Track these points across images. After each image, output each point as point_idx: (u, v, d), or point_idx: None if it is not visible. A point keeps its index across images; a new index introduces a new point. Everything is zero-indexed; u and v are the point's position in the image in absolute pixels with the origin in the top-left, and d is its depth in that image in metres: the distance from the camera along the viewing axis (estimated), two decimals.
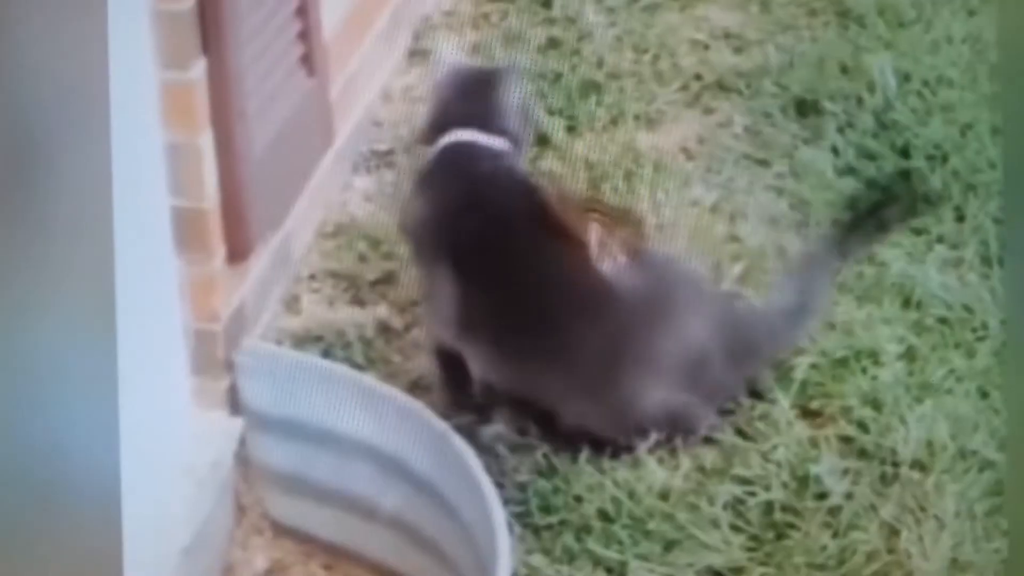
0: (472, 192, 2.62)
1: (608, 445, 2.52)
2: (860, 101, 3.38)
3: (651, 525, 2.41)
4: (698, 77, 3.53)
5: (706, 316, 2.55)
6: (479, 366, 2.58)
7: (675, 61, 3.58)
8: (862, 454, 2.52)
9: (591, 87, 3.46)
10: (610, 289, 2.50)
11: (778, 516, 2.42)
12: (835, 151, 3.26)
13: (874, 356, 2.68)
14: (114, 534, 1.74)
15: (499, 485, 2.34)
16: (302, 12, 2.70)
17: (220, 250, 2.45)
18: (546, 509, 2.45)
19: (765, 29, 3.71)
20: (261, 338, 2.64)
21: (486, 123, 2.66)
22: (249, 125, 2.46)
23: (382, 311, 2.86)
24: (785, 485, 2.46)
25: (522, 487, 2.48)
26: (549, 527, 2.43)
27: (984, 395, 2.62)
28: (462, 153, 2.65)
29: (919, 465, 2.48)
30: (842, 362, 2.67)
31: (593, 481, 2.48)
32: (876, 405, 2.59)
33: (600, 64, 3.54)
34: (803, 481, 2.46)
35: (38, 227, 1.65)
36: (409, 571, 2.42)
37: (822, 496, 2.44)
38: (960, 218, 3.05)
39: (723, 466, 2.51)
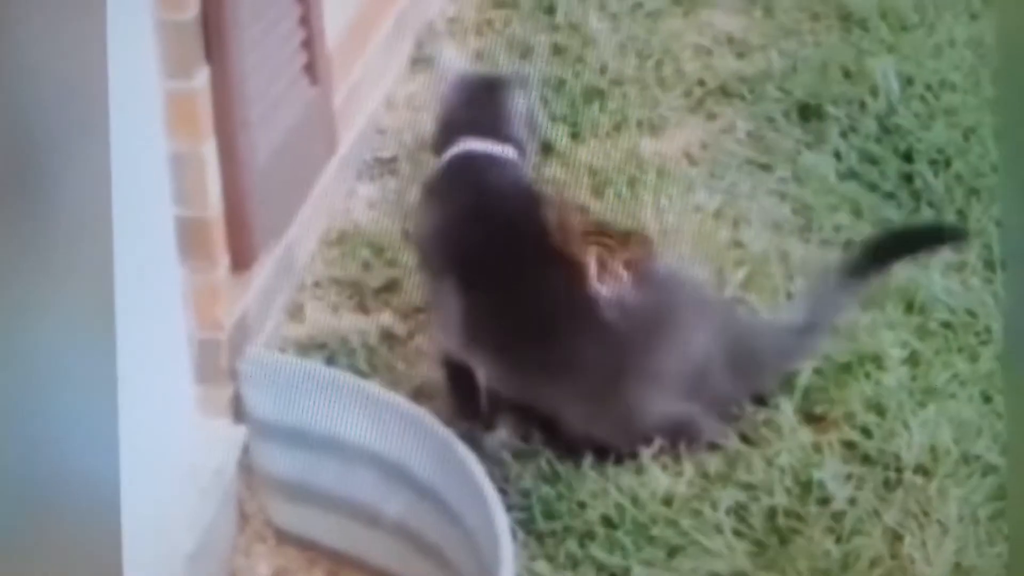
0: (481, 204, 2.62)
1: (612, 452, 2.52)
2: (863, 105, 3.38)
3: (655, 531, 2.41)
4: (701, 83, 3.54)
5: (710, 328, 2.56)
6: (485, 374, 2.58)
7: (678, 67, 3.58)
8: (865, 459, 2.52)
9: (595, 93, 3.46)
10: (612, 304, 2.50)
11: (781, 521, 2.42)
12: (838, 156, 3.26)
13: (877, 361, 2.68)
14: (114, 542, 1.74)
15: (502, 491, 2.34)
16: (305, 21, 2.71)
17: (224, 259, 2.45)
18: (550, 515, 2.45)
19: (768, 34, 3.71)
20: (265, 346, 2.64)
21: (494, 131, 2.66)
22: (253, 134, 2.47)
23: (386, 318, 2.86)
24: (788, 490, 2.46)
25: (526, 493, 2.48)
26: (553, 533, 2.43)
27: (987, 399, 2.62)
28: (471, 163, 2.65)
29: (922, 470, 2.48)
30: (845, 367, 2.68)
31: (597, 487, 2.48)
32: (879, 410, 2.59)
33: (603, 70, 3.54)
34: (806, 486, 2.46)
35: (37, 229, 1.65)
36: None
37: (825, 501, 2.44)
38: (963, 222, 3.05)
39: (726, 472, 2.51)
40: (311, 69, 2.74)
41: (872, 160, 3.24)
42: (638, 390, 2.52)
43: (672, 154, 3.31)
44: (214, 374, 2.48)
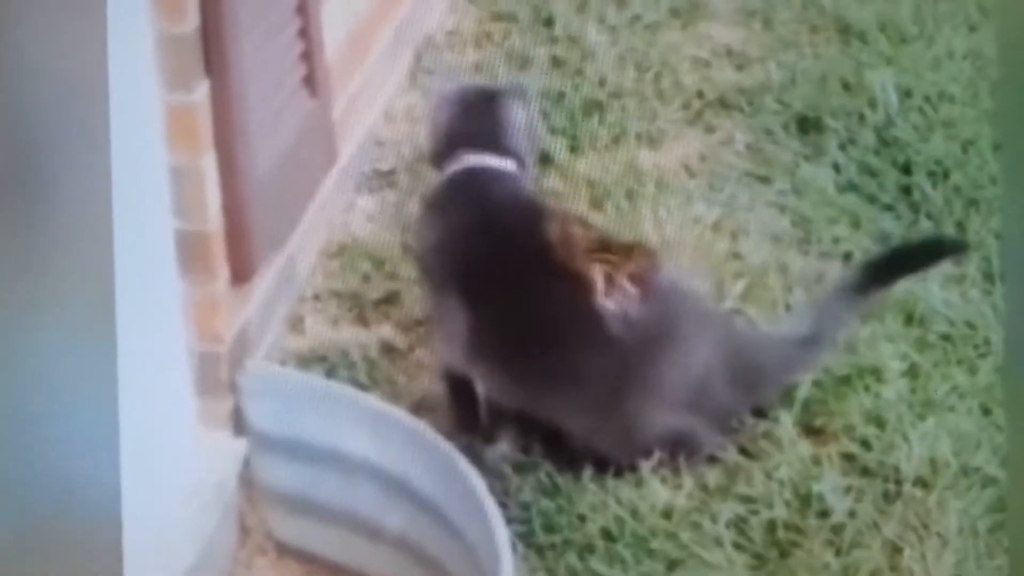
0: (484, 218, 2.62)
1: (611, 464, 2.52)
2: (862, 118, 3.39)
3: (654, 544, 2.41)
4: (700, 95, 3.55)
5: (712, 341, 2.56)
6: (488, 386, 2.58)
7: (677, 79, 3.59)
8: (865, 472, 2.52)
9: (593, 106, 3.47)
10: (617, 317, 2.50)
11: (781, 534, 2.42)
12: (836, 168, 3.27)
13: (877, 373, 2.69)
14: (115, 554, 1.74)
15: (503, 505, 2.34)
16: (304, 33, 2.71)
17: (224, 272, 2.46)
18: (549, 528, 2.45)
19: (767, 46, 3.72)
20: (265, 358, 2.64)
21: (495, 145, 2.66)
22: (252, 146, 2.47)
23: (386, 331, 2.87)
24: (788, 503, 2.46)
25: (526, 507, 2.48)
26: (552, 547, 2.43)
27: (987, 412, 2.62)
28: (474, 177, 2.65)
29: (922, 482, 2.49)
30: (845, 380, 2.68)
31: (596, 500, 2.48)
32: (879, 423, 2.59)
33: (602, 83, 3.55)
34: (806, 499, 2.46)
35: (37, 237, 1.65)
36: None
37: (825, 514, 2.44)
38: (962, 234, 3.06)
39: (726, 484, 2.51)
40: (310, 81, 2.75)
41: (871, 172, 3.24)
42: (640, 402, 2.52)
43: (671, 166, 3.31)
44: (214, 387, 2.48)
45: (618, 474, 2.52)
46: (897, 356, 2.72)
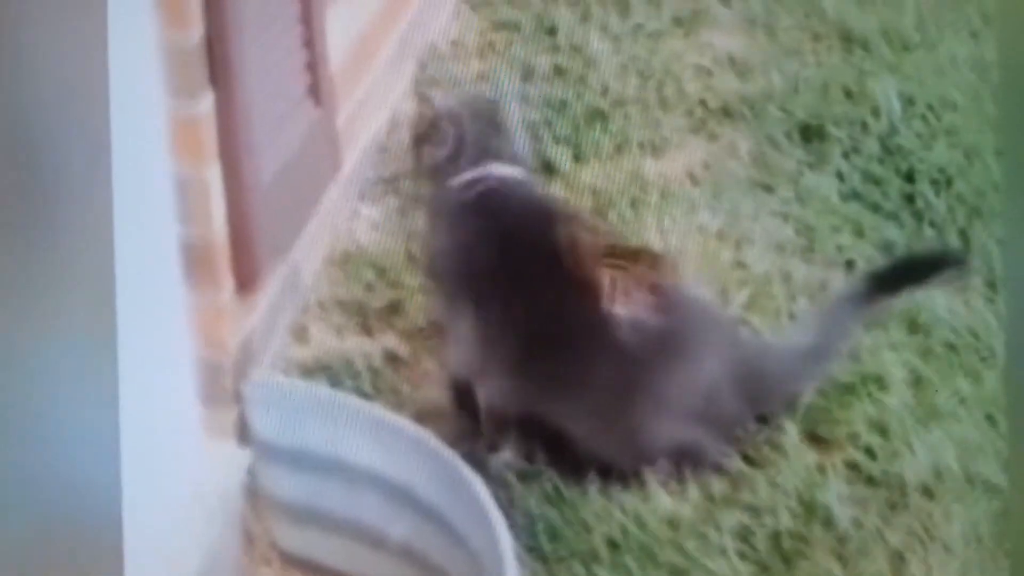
0: (502, 225, 2.63)
1: (616, 473, 2.52)
2: (865, 126, 3.39)
3: (659, 553, 2.41)
4: (703, 103, 3.54)
5: (721, 353, 2.56)
6: (495, 390, 2.58)
7: (680, 87, 3.59)
8: (869, 481, 2.52)
9: (596, 115, 3.47)
10: (626, 323, 2.50)
11: (786, 544, 2.42)
12: (840, 176, 3.27)
13: (881, 382, 2.69)
14: (116, 564, 1.74)
15: (507, 514, 2.34)
16: (309, 43, 2.71)
17: (228, 281, 2.46)
18: (554, 538, 2.46)
19: (769, 55, 3.72)
20: (269, 368, 2.65)
21: (504, 153, 2.67)
22: (257, 156, 2.47)
23: (390, 339, 2.87)
24: (793, 512, 2.46)
25: (530, 515, 2.48)
26: (558, 556, 2.44)
27: (991, 420, 2.62)
28: (489, 185, 2.65)
29: (926, 491, 2.49)
30: (849, 388, 2.68)
31: (601, 509, 2.48)
32: (883, 431, 2.59)
33: (605, 92, 3.55)
34: (810, 508, 2.47)
35: (39, 245, 1.65)
36: None
37: (830, 523, 2.44)
38: (965, 242, 3.06)
39: (731, 494, 2.51)
40: (315, 91, 2.75)
41: (874, 180, 3.24)
42: (646, 410, 2.52)
43: (674, 175, 3.31)
44: (219, 397, 2.48)
45: (623, 483, 2.52)
46: (901, 364, 2.73)
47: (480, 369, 2.59)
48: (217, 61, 2.35)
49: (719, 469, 2.55)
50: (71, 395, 1.70)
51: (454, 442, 2.46)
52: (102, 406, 1.74)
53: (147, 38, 2.27)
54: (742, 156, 3.37)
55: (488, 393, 2.60)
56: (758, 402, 2.60)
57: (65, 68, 1.67)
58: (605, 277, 2.49)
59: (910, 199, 3.20)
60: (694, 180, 3.30)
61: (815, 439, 2.61)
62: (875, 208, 3.19)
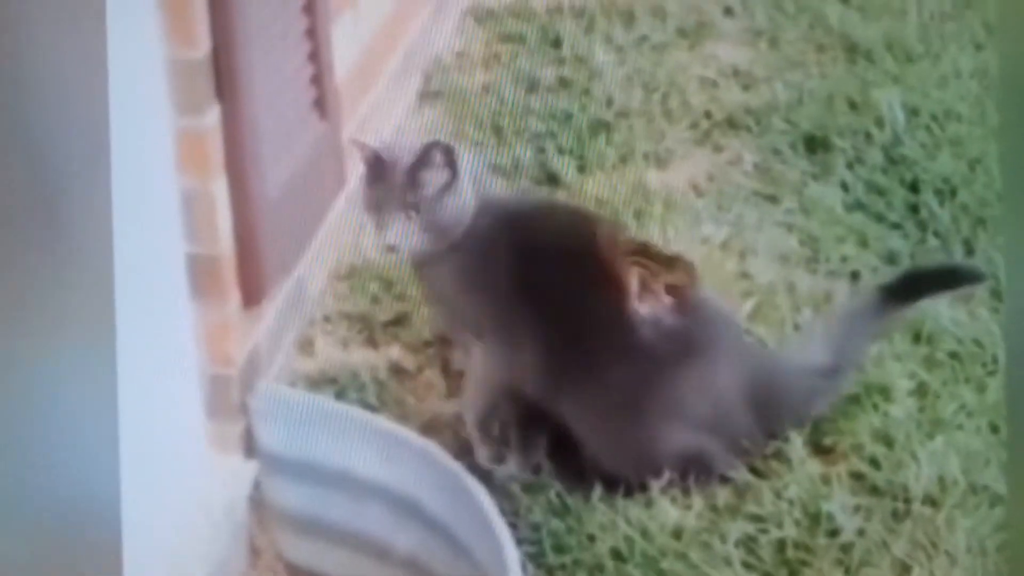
0: (528, 223, 2.64)
1: (621, 483, 2.53)
2: (869, 136, 3.40)
3: (664, 564, 2.41)
4: (707, 115, 3.56)
5: (738, 365, 2.56)
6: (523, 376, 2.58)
7: (684, 99, 3.60)
8: (874, 490, 2.52)
9: (601, 126, 3.48)
10: (649, 324, 2.51)
11: (791, 554, 2.42)
12: (844, 187, 3.28)
13: (885, 392, 2.69)
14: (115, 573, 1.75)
15: (512, 525, 2.35)
16: (314, 57, 2.73)
17: (234, 295, 2.47)
18: (559, 548, 2.46)
19: (773, 66, 3.73)
20: (275, 380, 2.66)
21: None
22: (263, 170, 2.49)
23: (395, 352, 2.88)
24: (797, 522, 2.46)
25: (535, 527, 2.48)
26: (562, 567, 2.44)
27: (995, 430, 2.62)
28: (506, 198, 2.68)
29: (931, 501, 2.49)
30: (853, 398, 2.68)
31: (606, 520, 2.48)
32: (887, 441, 2.60)
33: (610, 103, 3.56)
34: (815, 518, 2.47)
35: (39, 259, 1.66)
36: None
37: (834, 533, 2.45)
38: (969, 252, 3.07)
39: (736, 504, 2.51)
40: (320, 104, 2.76)
41: (878, 191, 3.25)
42: (658, 415, 2.52)
43: (679, 186, 3.32)
44: (225, 409, 2.49)
45: (628, 494, 2.53)
46: (905, 375, 2.73)
47: (511, 354, 2.58)
48: (224, 75, 2.36)
49: (724, 479, 2.55)
50: (70, 407, 1.70)
51: (459, 453, 2.47)
52: (101, 418, 1.75)
53: (154, 52, 2.28)
54: (746, 167, 3.38)
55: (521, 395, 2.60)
56: (772, 421, 2.59)
57: (64, 74, 1.67)
58: (633, 276, 2.50)
59: (914, 209, 3.21)
60: (698, 191, 3.31)
61: (820, 449, 2.61)
62: (879, 218, 3.20)
